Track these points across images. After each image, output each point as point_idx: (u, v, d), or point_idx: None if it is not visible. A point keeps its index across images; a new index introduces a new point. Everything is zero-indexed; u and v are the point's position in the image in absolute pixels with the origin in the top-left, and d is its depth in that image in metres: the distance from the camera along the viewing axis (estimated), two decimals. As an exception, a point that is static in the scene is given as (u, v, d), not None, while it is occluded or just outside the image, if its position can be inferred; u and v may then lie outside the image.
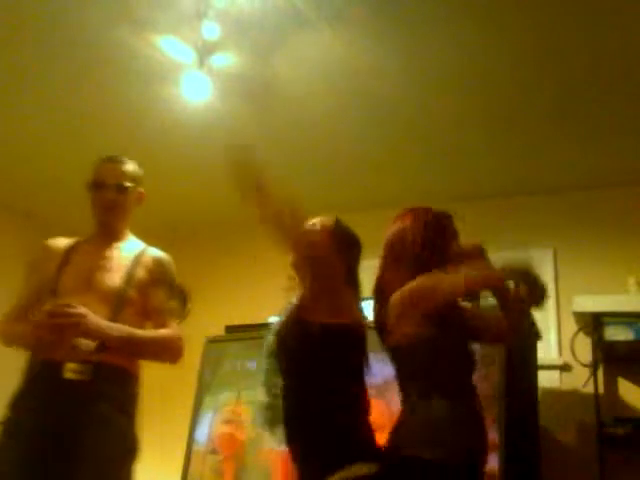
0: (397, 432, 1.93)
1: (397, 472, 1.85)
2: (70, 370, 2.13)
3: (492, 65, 3.09)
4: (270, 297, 4.26)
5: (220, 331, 3.98)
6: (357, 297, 2.11)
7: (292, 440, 1.98)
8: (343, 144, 3.76)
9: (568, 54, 2.98)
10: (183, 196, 4.44)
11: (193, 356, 3.92)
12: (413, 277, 2.01)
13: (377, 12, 2.81)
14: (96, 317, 2.14)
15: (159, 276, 2.38)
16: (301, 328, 1.99)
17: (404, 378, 2.03)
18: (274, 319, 3.81)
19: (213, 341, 3.73)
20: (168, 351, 2.32)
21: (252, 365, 3.69)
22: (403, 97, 3.35)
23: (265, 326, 3.81)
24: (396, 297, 2.02)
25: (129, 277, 2.30)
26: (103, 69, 3.28)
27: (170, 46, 3.07)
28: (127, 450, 2.19)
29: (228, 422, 3.61)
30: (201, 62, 3.02)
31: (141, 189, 2.46)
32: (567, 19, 2.78)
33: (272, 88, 3.34)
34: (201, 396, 3.66)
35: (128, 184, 2.39)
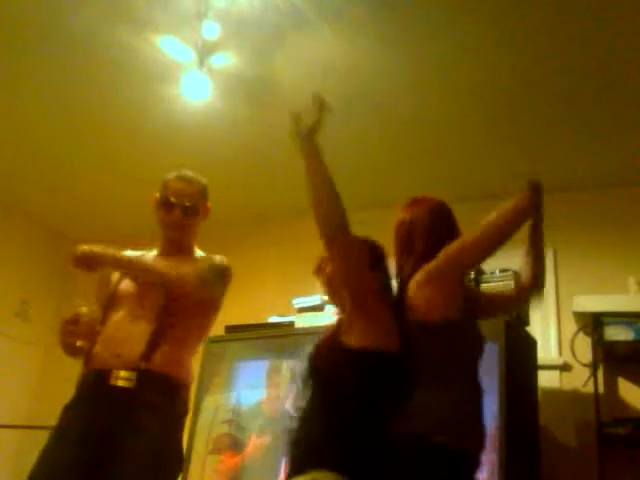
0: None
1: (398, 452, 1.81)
2: (116, 377, 2.14)
3: (492, 65, 3.09)
4: (270, 297, 4.29)
5: (220, 331, 3.97)
6: (394, 315, 2.00)
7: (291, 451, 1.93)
8: (342, 144, 3.76)
9: (568, 54, 2.98)
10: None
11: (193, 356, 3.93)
12: (423, 263, 2.03)
13: (377, 12, 2.81)
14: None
15: (202, 258, 2.40)
16: (334, 351, 1.94)
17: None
18: (274, 319, 3.85)
19: (213, 341, 3.72)
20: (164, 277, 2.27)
21: (252, 365, 3.70)
22: (403, 97, 3.35)
23: (265, 326, 3.85)
24: (433, 267, 2.01)
25: None
26: (103, 69, 3.29)
27: (170, 46, 3.07)
28: (164, 461, 2.14)
29: (228, 422, 3.61)
30: (201, 62, 3.03)
31: (208, 203, 2.46)
32: (567, 19, 2.79)
33: (272, 88, 3.35)
34: (201, 396, 3.66)
35: (197, 204, 2.38)
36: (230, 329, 3.89)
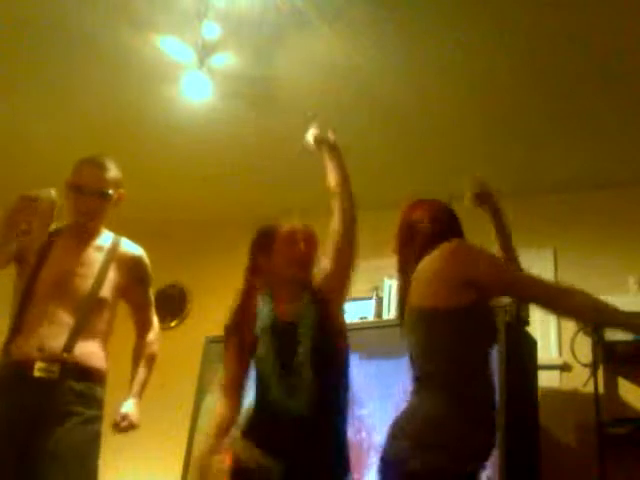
0: (398, 432, 1.86)
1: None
2: (39, 369, 2.17)
3: (492, 65, 3.09)
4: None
5: (220, 331, 3.97)
6: None
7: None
8: (342, 144, 3.75)
9: (568, 54, 2.98)
10: (183, 196, 4.44)
11: (193, 356, 3.93)
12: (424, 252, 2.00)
13: (377, 12, 2.81)
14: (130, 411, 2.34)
15: (138, 275, 2.48)
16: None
17: (422, 353, 1.94)
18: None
19: (213, 341, 3.72)
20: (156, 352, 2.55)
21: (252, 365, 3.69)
22: (403, 97, 3.35)
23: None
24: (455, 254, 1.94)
25: (100, 279, 2.34)
26: (103, 69, 3.29)
27: (170, 46, 3.07)
28: (91, 447, 2.25)
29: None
30: (201, 62, 3.03)
31: (121, 190, 2.45)
32: (567, 19, 2.78)
33: (272, 88, 3.34)
34: (201, 396, 3.66)
35: (109, 191, 2.37)
36: (230, 329, 3.88)
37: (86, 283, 2.32)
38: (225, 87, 3.27)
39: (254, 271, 2.20)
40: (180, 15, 2.90)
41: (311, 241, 2.19)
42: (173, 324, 4.50)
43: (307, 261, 2.16)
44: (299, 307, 2.08)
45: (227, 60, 3.13)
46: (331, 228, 2.20)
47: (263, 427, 1.99)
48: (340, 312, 2.16)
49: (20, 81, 3.44)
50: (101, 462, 2.34)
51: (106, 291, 2.34)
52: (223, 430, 2.02)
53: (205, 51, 3.01)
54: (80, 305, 2.28)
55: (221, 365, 3.79)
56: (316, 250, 2.19)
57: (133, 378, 2.44)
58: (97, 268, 2.35)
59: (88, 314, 2.29)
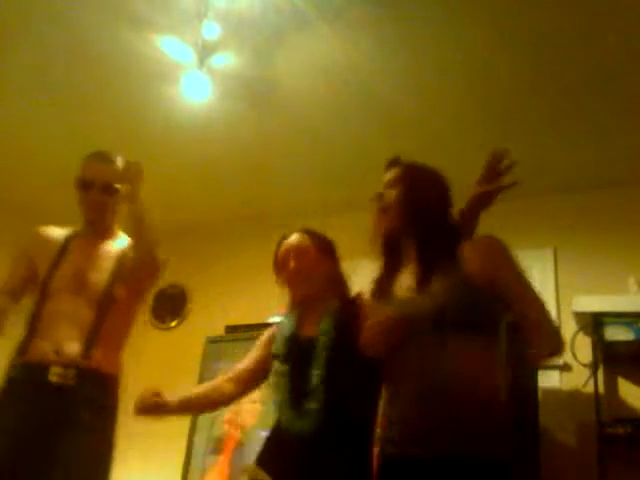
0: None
1: None
2: (55, 374, 2.14)
3: (492, 65, 3.09)
4: (270, 297, 4.28)
5: (220, 331, 3.98)
6: None
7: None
8: (342, 143, 3.76)
9: (568, 54, 2.98)
10: (183, 196, 4.44)
11: (193, 356, 3.93)
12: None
13: (377, 12, 2.81)
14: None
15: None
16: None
17: None
18: (274, 319, 3.84)
19: (213, 341, 3.73)
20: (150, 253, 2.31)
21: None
22: (403, 97, 3.35)
23: (265, 326, 3.84)
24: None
25: (115, 275, 2.30)
26: (103, 69, 3.29)
27: (170, 46, 3.07)
28: (106, 454, 2.20)
29: (228, 422, 3.61)
30: (201, 62, 3.03)
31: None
32: (567, 18, 2.79)
33: (271, 88, 3.35)
34: (201, 396, 3.66)
35: (117, 185, 2.34)
36: (230, 329, 3.89)
37: (100, 279, 2.28)
38: (225, 87, 3.27)
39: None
40: (180, 15, 2.90)
41: (300, 255, 2.07)
42: (173, 324, 4.50)
43: (300, 277, 2.06)
44: (321, 324, 1.98)
45: (227, 60, 3.13)
46: None
47: (273, 451, 1.95)
48: None
49: (20, 81, 3.44)
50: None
51: (120, 287, 2.29)
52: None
53: (205, 51, 3.01)
54: (96, 301, 2.24)
55: (221, 365, 3.81)
56: (310, 260, 2.07)
57: None
58: (111, 265, 2.32)
59: (105, 311, 2.24)
